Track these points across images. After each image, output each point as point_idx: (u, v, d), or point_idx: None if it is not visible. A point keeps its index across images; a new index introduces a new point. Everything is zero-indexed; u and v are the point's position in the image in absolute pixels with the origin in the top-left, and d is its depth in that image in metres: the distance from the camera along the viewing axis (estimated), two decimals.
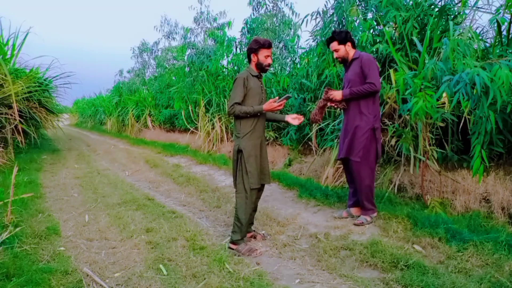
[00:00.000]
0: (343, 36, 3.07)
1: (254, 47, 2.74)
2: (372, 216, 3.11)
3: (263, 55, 2.74)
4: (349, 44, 3.09)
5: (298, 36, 7.68)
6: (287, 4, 7.80)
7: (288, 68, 7.29)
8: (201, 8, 9.56)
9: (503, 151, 3.21)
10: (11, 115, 6.30)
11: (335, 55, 3.17)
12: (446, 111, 3.21)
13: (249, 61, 2.84)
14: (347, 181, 3.39)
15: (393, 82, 3.60)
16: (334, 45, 3.12)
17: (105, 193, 4.59)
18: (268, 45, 2.74)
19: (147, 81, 13.82)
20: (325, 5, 4.89)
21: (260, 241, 2.98)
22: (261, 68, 2.77)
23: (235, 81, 2.73)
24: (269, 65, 2.78)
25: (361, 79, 3.00)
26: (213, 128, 7.77)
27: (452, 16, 3.87)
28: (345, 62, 3.18)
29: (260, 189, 2.91)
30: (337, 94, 3.06)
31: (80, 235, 3.10)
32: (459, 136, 3.54)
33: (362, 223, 3.06)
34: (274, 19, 7.78)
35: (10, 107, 6.34)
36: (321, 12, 4.92)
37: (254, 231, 3.06)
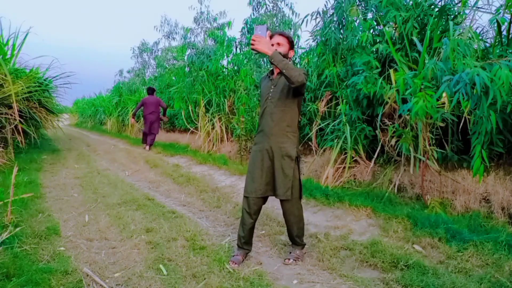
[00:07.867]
0: None
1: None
2: None
3: None
4: None
5: (298, 36, 7.66)
6: (287, 4, 7.80)
7: None
8: (201, 8, 9.55)
9: (503, 151, 3.21)
10: (11, 115, 6.29)
11: None
12: (446, 111, 3.20)
13: None
14: None
15: (393, 82, 3.60)
16: None
17: (105, 193, 4.59)
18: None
19: (147, 81, 13.81)
20: (325, 5, 4.89)
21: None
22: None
23: None
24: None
25: None
26: (213, 128, 7.77)
27: (452, 16, 3.87)
28: None
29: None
30: None
31: (80, 235, 3.10)
32: (459, 136, 3.54)
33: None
34: (274, 19, 7.77)
35: (10, 107, 6.33)
36: (321, 12, 4.91)
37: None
